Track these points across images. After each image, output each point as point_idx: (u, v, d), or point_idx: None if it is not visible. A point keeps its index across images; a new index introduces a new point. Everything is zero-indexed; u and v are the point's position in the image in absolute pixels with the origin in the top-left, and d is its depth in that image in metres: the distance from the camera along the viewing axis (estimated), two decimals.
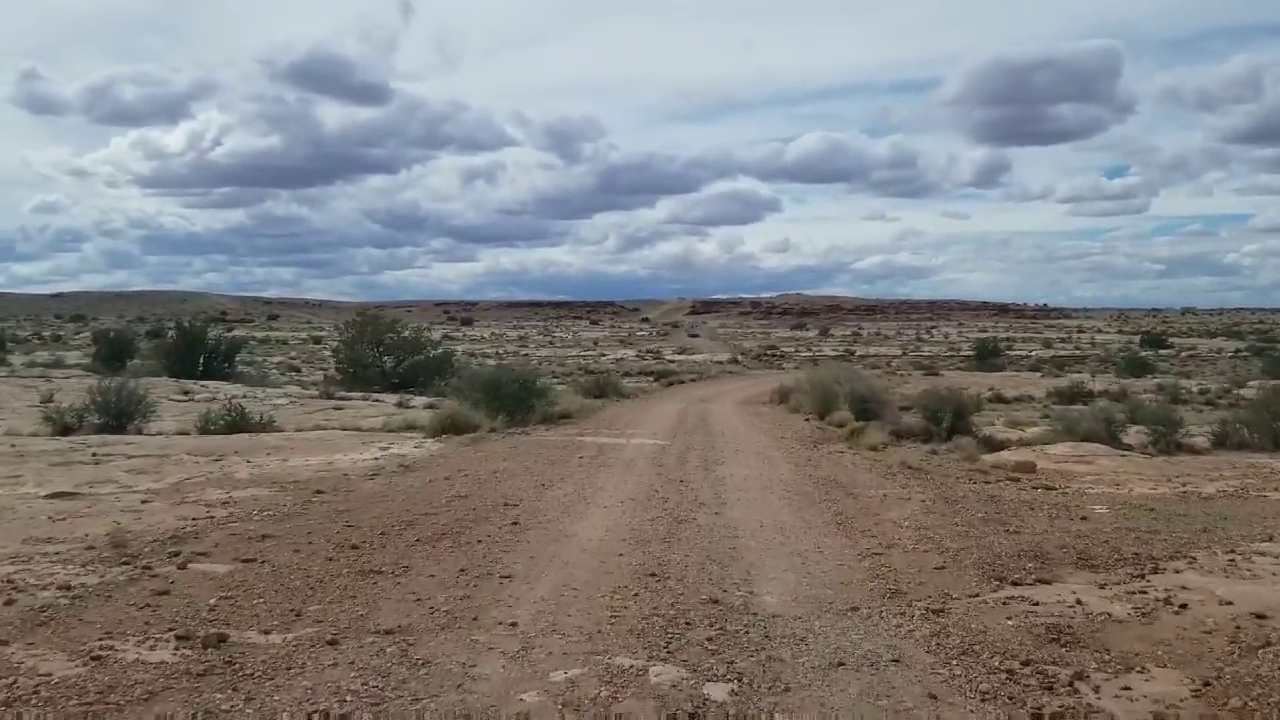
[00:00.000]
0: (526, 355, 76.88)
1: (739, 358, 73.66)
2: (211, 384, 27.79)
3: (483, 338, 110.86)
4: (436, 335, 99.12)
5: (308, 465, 11.18)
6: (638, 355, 77.25)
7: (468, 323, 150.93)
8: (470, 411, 17.99)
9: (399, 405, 23.88)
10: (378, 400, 25.22)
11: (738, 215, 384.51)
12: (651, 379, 43.79)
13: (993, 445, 15.60)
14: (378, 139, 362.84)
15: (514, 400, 18.38)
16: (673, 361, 65.97)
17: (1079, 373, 52.82)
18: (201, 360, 32.43)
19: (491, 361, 61.70)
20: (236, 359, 35.29)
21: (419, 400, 25.23)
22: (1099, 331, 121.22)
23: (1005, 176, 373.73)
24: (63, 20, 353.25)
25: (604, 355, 77.47)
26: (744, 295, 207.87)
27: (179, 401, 22.54)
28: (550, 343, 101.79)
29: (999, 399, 30.10)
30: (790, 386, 26.41)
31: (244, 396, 24.01)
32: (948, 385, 39.75)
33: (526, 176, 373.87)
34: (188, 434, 17.03)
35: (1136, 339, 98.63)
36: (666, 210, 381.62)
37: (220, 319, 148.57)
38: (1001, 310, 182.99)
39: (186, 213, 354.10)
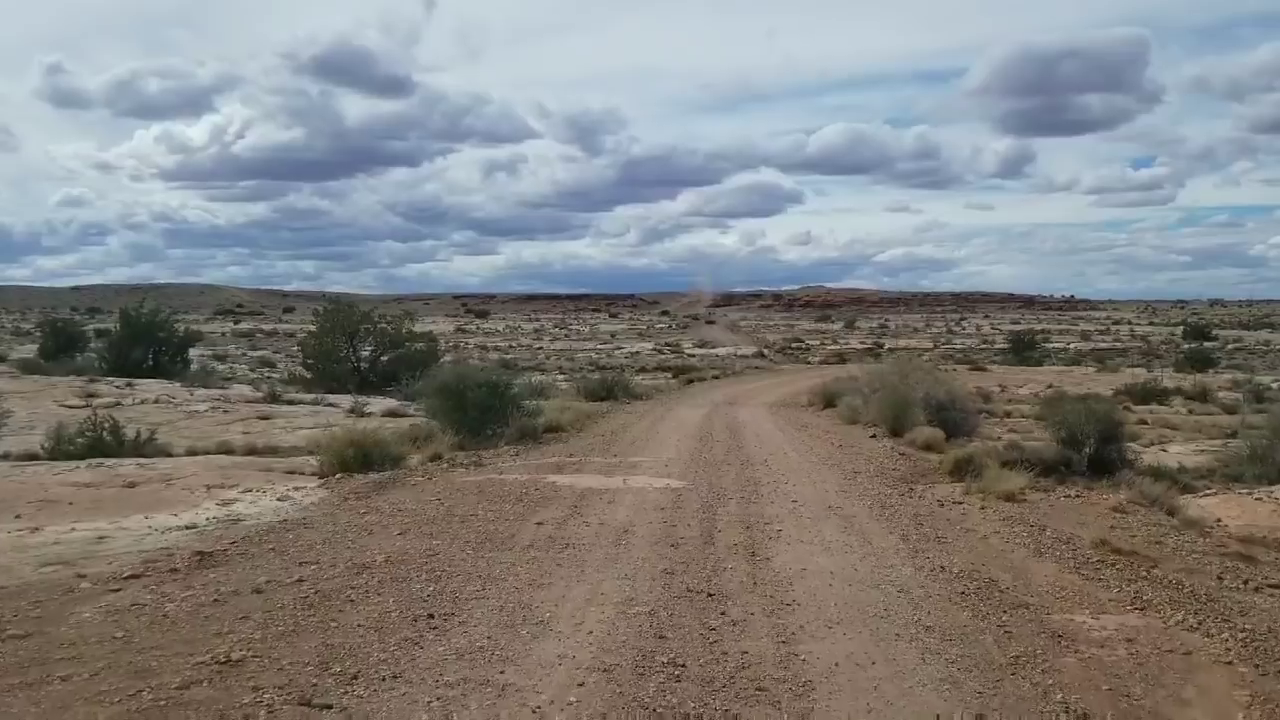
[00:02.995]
0: (539, 349, 72.16)
1: (765, 351, 68.58)
2: (143, 383, 23.19)
3: (496, 331, 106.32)
4: (449, 328, 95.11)
5: (59, 544, 6.44)
6: (655, 349, 72.35)
7: (482, 315, 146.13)
8: (428, 425, 13.47)
9: (352, 411, 19.22)
10: (330, 404, 20.51)
11: (759, 207, 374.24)
12: (669, 375, 38.97)
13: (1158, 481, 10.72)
14: (400, 131, 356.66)
15: (481, 410, 13.70)
16: (693, 356, 61.05)
17: (1132, 366, 47.86)
18: (151, 355, 27.98)
19: (496, 356, 57.16)
20: (191, 353, 30.84)
21: (380, 404, 20.57)
22: (1131, 323, 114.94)
23: (1030, 167, 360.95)
24: (87, 14, 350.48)
25: (619, 349, 72.67)
26: (765, 288, 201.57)
27: (75, 408, 17.89)
28: (565, 336, 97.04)
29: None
30: (835, 388, 21.51)
31: (156, 401, 19.46)
32: (1000, 382, 34.89)
33: (548, 169, 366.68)
34: (36, 459, 12.51)
35: (1177, 331, 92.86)
36: (688, 203, 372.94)
37: (234, 311, 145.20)
38: (1028, 302, 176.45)
39: (210, 206, 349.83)
